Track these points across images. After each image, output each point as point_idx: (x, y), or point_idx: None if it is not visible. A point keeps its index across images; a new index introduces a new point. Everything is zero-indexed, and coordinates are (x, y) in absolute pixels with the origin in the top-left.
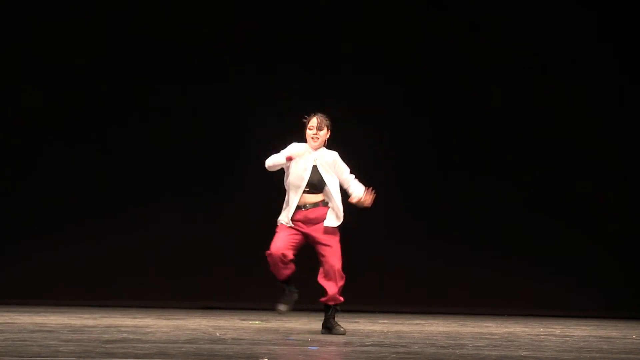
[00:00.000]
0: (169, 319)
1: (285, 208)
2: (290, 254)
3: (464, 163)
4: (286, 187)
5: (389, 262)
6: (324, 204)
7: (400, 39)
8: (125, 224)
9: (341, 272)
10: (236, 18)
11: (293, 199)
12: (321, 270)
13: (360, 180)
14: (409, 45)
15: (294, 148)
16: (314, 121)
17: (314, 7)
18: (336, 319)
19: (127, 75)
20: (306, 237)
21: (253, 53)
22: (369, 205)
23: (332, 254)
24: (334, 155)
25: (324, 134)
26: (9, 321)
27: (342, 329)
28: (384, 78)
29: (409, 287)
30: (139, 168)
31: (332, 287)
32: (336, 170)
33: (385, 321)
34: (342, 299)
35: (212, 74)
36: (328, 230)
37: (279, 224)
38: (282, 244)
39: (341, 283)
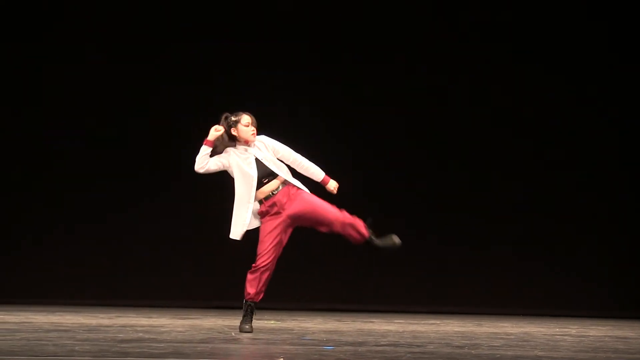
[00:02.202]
0: (184, 319)
1: (239, 216)
2: (272, 267)
3: (477, 163)
4: (238, 196)
5: (404, 262)
6: (285, 184)
7: (400, 37)
8: (140, 222)
9: (342, 212)
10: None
11: (249, 198)
12: (334, 230)
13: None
14: (405, 42)
15: (211, 133)
16: (247, 119)
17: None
18: (381, 240)
19: (125, 76)
20: (289, 223)
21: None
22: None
23: (323, 208)
24: (267, 141)
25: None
26: (25, 320)
27: (392, 242)
28: (382, 78)
29: (424, 287)
30: (150, 165)
31: (356, 235)
32: (280, 156)
33: (400, 321)
34: (361, 221)
35: (209, 72)
36: (302, 198)
37: (234, 237)
38: (270, 258)
39: (349, 217)
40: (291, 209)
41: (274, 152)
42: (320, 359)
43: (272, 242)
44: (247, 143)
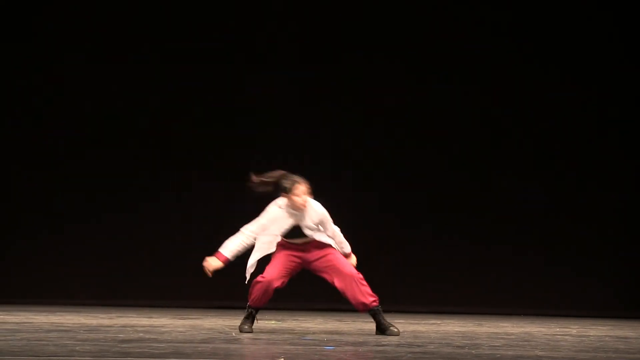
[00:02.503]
0: (184, 319)
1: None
2: (278, 287)
3: (479, 162)
4: (260, 241)
5: (404, 262)
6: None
7: (401, 38)
8: (142, 222)
9: (358, 274)
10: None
11: (268, 249)
12: (341, 287)
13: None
14: (406, 43)
15: (207, 263)
16: (302, 189)
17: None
18: (385, 319)
19: (128, 76)
20: (306, 266)
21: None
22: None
23: (338, 260)
24: (319, 213)
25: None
26: (26, 321)
27: (395, 329)
28: (385, 78)
29: (424, 287)
30: (152, 165)
31: (362, 297)
32: (321, 226)
33: (401, 321)
34: (375, 298)
35: (209, 77)
36: (322, 245)
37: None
38: (279, 274)
39: (365, 285)
40: (313, 255)
41: (320, 222)
42: (321, 359)
43: (283, 264)
44: (297, 210)
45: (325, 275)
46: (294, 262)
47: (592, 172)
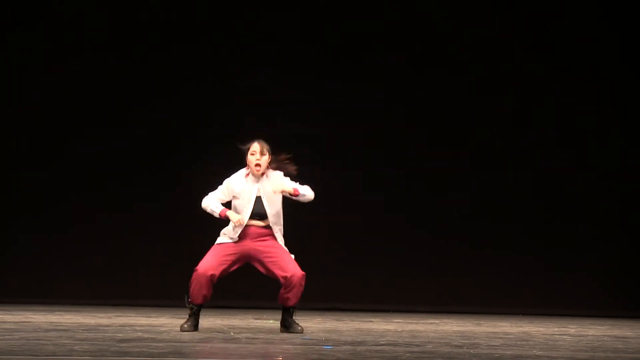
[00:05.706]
0: (183, 318)
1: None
2: (216, 276)
3: (477, 163)
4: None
5: (403, 262)
6: (267, 227)
7: (404, 37)
8: (139, 222)
9: (303, 275)
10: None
11: (234, 233)
12: (281, 280)
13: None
14: (407, 42)
15: (232, 215)
16: (255, 146)
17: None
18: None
19: (129, 76)
20: (246, 254)
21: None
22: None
23: (285, 257)
24: (278, 176)
25: (266, 159)
26: (24, 320)
27: (299, 327)
28: (387, 77)
29: (423, 287)
30: (151, 166)
31: (296, 296)
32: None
33: (399, 320)
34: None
35: (200, 75)
36: (271, 241)
37: (218, 242)
38: (213, 263)
39: (302, 287)
40: (255, 244)
41: (281, 185)
42: (319, 359)
43: (221, 257)
44: (253, 174)
45: (266, 263)
46: (233, 256)
47: (590, 171)
